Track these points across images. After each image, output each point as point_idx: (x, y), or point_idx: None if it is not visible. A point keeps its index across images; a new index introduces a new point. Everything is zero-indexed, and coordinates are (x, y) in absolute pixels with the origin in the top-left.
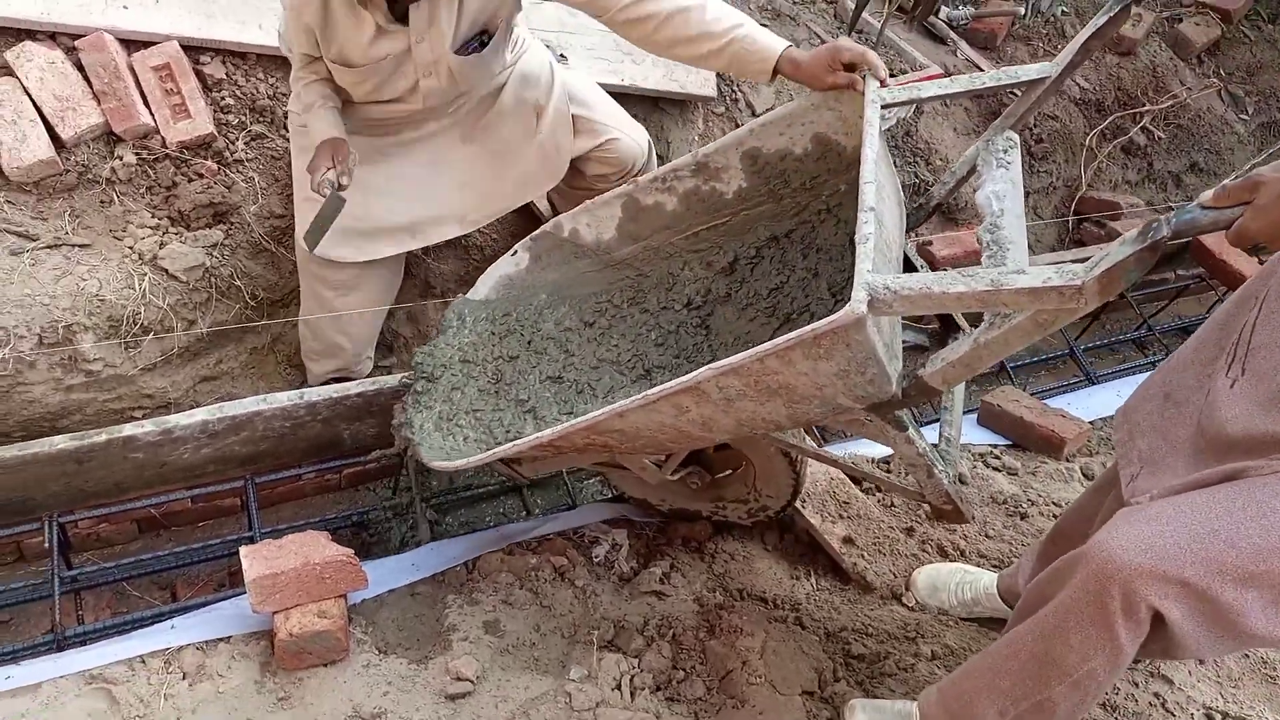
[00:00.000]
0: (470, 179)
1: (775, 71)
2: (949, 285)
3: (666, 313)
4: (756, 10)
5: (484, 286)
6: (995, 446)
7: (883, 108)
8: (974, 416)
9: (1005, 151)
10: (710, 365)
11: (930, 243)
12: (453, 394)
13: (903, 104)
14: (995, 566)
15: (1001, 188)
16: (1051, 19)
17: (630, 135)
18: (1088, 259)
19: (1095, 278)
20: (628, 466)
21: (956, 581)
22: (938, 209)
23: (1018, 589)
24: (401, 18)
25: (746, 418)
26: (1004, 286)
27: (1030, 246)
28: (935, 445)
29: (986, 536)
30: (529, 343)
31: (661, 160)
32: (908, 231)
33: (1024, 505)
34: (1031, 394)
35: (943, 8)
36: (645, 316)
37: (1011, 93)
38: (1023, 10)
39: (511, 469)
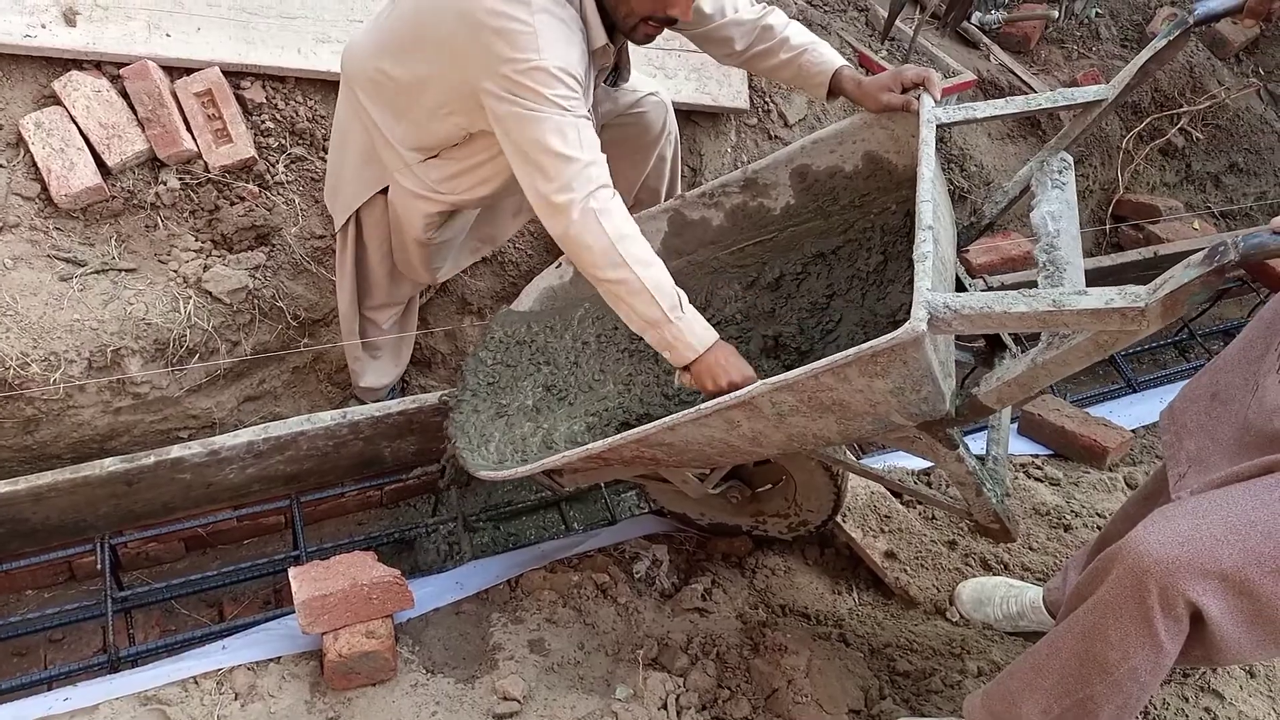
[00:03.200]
0: None
1: (834, 89)
2: (1010, 305)
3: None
4: None
5: (527, 298)
6: (1036, 456)
7: (938, 127)
8: (1014, 426)
9: (1060, 172)
10: (764, 380)
11: (966, 250)
12: (459, 397)
13: (959, 123)
14: (1039, 579)
15: (1057, 208)
16: (1085, 21)
17: (651, 92)
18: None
19: (1159, 300)
20: (669, 479)
21: (1002, 595)
22: (989, 228)
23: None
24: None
25: (797, 433)
26: (1066, 308)
27: None
28: (982, 462)
29: (1030, 549)
30: (540, 351)
31: (692, 172)
32: (959, 250)
33: (1067, 516)
34: (1072, 402)
35: (974, 13)
36: None
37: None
38: (1056, 13)
39: (551, 479)
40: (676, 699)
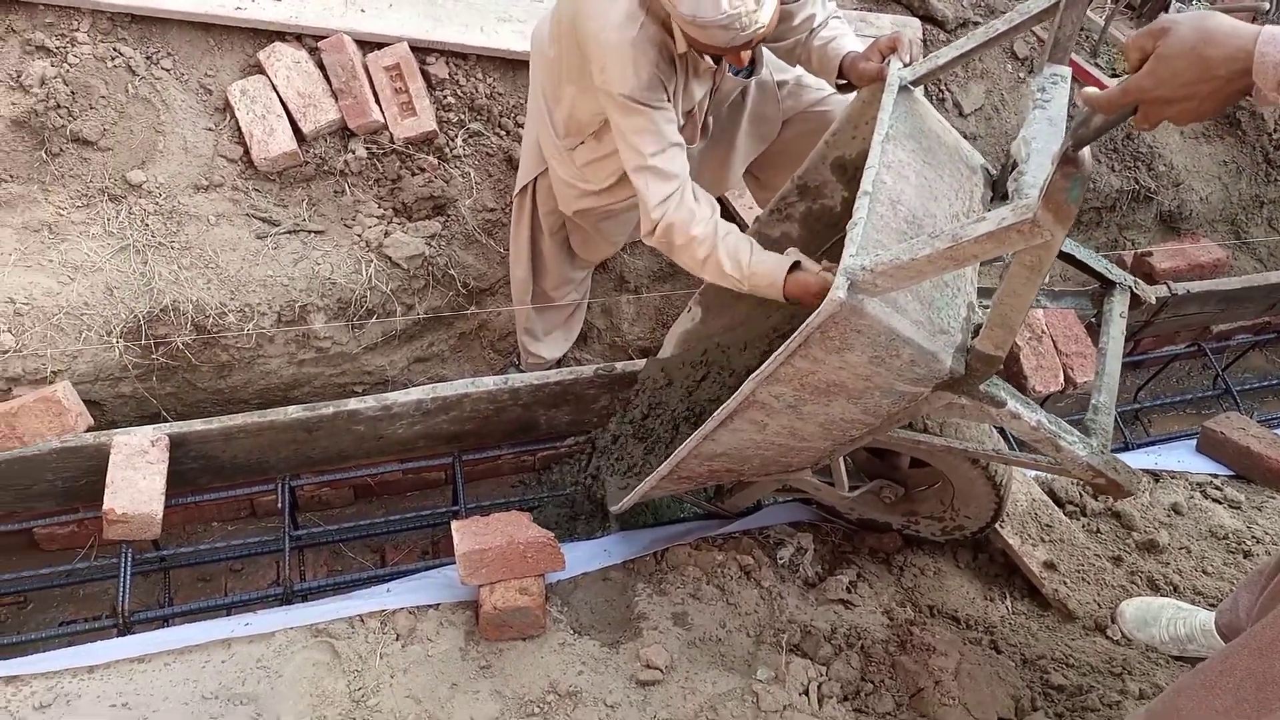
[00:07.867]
0: (701, 170)
1: (842, 74)
2: (918, 251)
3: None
4: (969, 7)
5: (669, 346)
6: (1216, 476)
7: (914, 84)
8: (1193, 443)
9: (1042, 90)
10: (751, 377)
11: (1150, 254)
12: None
13: (924, 77)
14: (1211, 605)
15: (1035, 130)
16: None
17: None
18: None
19: (1042, 205)
20: (801, 488)
21: (1169, 616)
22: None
23: (1240, 626)
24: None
25: (825, 420)
26: (964, 238)
27: (1263, 261)
28: (1083, 417)
29: (1204, 573)
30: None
31: None
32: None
33: (1247, 542)
34: (1260, 421)
35: (1174, 3)
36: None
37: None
38: (1267, 5)
39: (717, 505)
40: (819, 686)
